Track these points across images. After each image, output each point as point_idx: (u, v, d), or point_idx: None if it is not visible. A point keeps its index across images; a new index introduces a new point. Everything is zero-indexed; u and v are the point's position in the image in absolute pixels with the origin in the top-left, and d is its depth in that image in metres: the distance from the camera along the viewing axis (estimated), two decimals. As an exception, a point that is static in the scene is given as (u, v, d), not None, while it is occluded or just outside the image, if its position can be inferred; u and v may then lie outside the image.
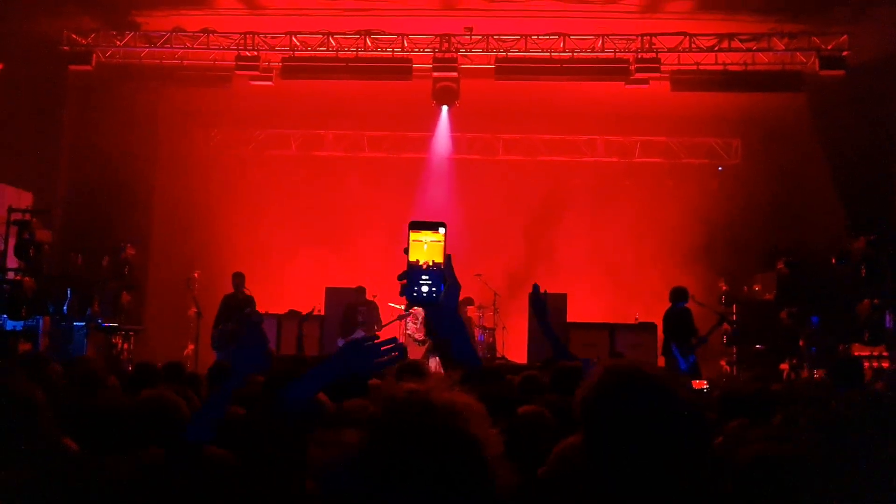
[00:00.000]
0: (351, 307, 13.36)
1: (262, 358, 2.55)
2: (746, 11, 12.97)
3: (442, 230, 2.04)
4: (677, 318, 11.21)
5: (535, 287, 3.96)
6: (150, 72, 13.91)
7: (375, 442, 1.31)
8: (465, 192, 15.68)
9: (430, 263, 2.01)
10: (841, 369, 5.68)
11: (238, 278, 11.80)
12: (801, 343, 12.05)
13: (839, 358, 6.65)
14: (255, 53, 13.71)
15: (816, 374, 11.50)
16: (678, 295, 11.48)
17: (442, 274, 2.02)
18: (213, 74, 13.98)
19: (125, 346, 12.68)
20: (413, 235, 2.03)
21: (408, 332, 13.66)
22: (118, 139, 13.29)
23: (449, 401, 1.35)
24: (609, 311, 14.42)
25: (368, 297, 13.88)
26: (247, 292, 11.73)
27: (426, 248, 2.02)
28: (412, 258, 2.02)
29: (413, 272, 2.02)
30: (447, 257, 2.04)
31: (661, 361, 12.09)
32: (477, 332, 13.56)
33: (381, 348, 2.31)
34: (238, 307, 11.33)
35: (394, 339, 2.37)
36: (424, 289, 2.01)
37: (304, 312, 12.53)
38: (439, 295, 2.02)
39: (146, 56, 13.99)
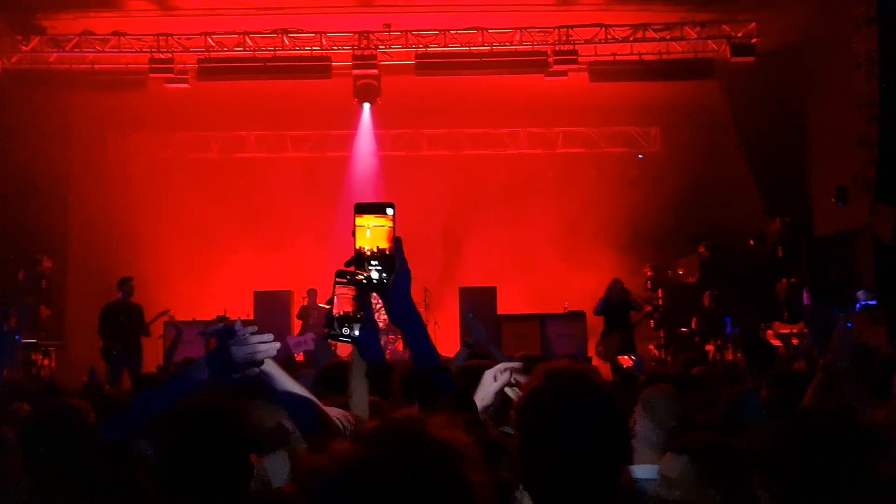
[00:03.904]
0: (304, 310, 13.44)
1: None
2: (659, 1, 13.26)
3: (390, 211, 1.95)
4: None
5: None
6: (60, 77, 13.46)
7: (366, 462, 1.23)
8: (391, 189, 15.58)
9: (375, 250, 1.93)
10: (755, 353, 5.92)
11: (128, 284, 11.28)
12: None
13: (753, 342, 6.93)
14: (169, 55, 13.39)
15: (739, 354, 11.83)
16: None
17: (391, 259, 1.93)
18: (126, 78, 13.63)
19: (45, 362, 12.26)
20: (358, 220, 1.94)
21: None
22: (29, 148, 12.81)
23: (448, 439, 1.28)
24: (538, 302, 14.56)
25: (301, 298, 13.72)
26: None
27: (369, 234, 1.94)
28: (357, 244, 1.94)
29: (359, 259, 1.93)
30: (397, 241, 1.95)
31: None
32: None
33: (255, 339, 2.20)
34: (133, 315, 11.04)
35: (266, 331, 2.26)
36: (374, 275, 1.92)
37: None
38: (389, 281, 1.93)
39: (55, 61, 13.54)
